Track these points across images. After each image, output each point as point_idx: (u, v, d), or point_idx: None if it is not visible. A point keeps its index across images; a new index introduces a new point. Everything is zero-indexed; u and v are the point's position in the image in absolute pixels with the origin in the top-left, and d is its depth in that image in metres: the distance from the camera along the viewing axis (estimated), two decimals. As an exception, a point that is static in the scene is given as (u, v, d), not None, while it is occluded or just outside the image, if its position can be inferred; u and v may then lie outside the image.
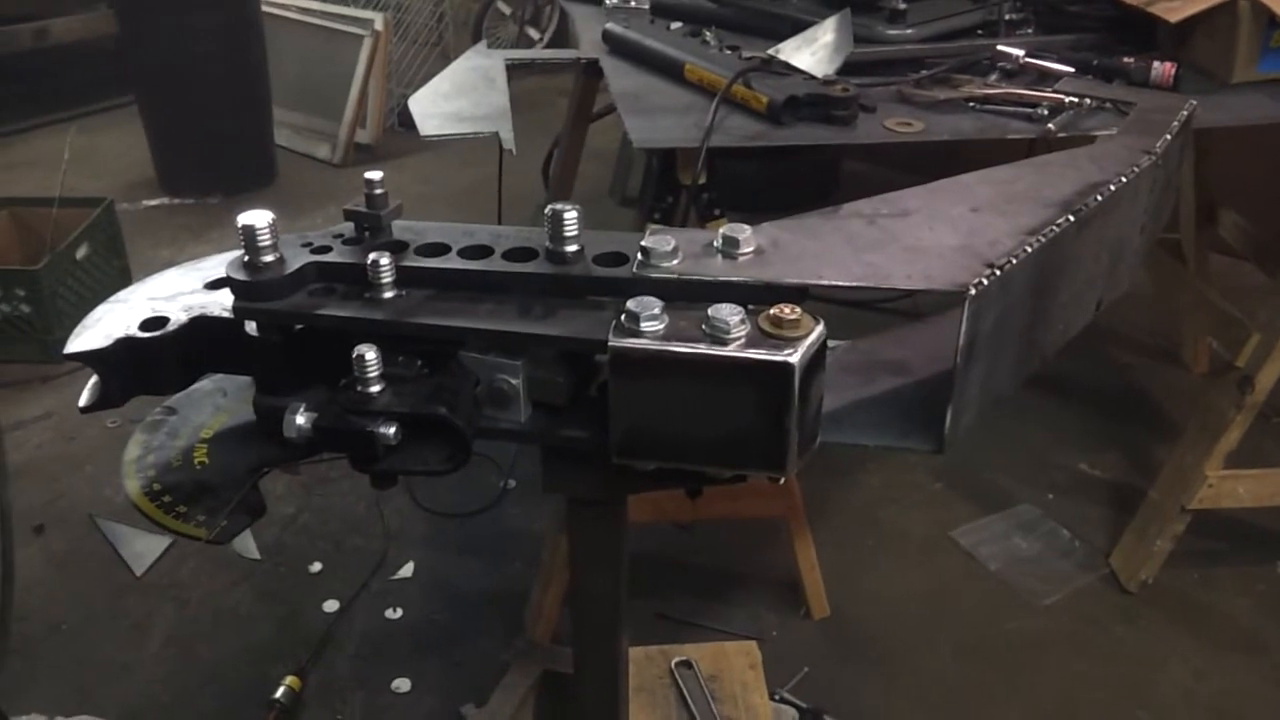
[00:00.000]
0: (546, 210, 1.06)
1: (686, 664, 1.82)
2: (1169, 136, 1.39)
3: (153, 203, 4.83)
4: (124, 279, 3.80)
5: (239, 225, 1.04)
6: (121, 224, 4.01)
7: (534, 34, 6.88)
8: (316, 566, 2.62)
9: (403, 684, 2.28)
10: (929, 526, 2.78)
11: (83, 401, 1.08)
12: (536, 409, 1.07)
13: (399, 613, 2.48)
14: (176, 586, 2.54)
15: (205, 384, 1.23)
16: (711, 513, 2.33)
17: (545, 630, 2.31)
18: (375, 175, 1.10)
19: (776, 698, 2.18)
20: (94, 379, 1.08)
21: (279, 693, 2.20)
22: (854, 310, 2.98)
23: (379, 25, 5.31)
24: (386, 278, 1.04)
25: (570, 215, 1.05)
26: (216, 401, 1.21)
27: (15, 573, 2.52)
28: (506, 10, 6.83)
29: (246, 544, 2.67)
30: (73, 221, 3.71)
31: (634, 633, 2.35)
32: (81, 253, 3.65)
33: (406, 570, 2.61)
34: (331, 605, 2.50)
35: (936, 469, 2.98)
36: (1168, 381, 3.39)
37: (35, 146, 5.34)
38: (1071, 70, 2.02)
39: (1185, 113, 1.49)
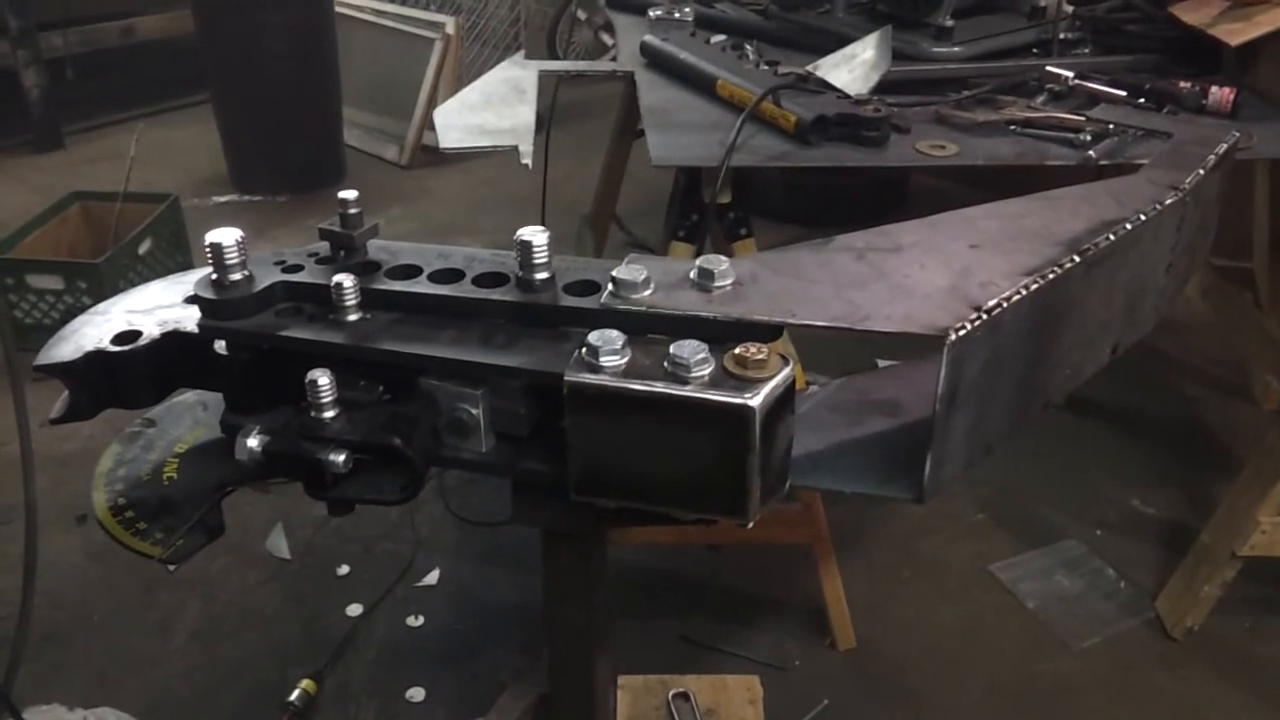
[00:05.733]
0: (515, 236, 1.03)
1: (684, 696, 1.78)
2: (1202, 171, 1.31)
3: (222, 199, 4.92)
4: (186, 274, 3.87)
5: (206, 243, 1.03)
6: (189, 219, 4.10)
7: (608, 40, 6.87)
8: (344, 569, 2.63)
9: (417, 693, 2.28)
10: (968, 559, 2.69)
11: (53, 414, 1.08)
12: (500, 439, 1.05)
13: (420, 620, 2.48)
14: (206, 583, 2.57)
15: (189, 396, 1.23)
16: (733, 537, 2.28)
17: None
18: (350, 195, 1.09)
19: (792, 729, 2.13)
20: (65, 391, 1.09)
21: (294, 696, 2.21)
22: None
23: (450, 29, 5.35)
24: (350, 300, 1.02)
25: (540, 242, 1.02)
26: (196, 415, 1.21)
27: (56, 561, 2.59)
28: (582, 16, 6.83)
29: (278, 543, 2.70)
30: (139, 216, 3.81)
31: (654, 655, 2.33)
32: (144, 247, 3.74)
33: (432, 578, 2.61)
34: (355, 609, 2.50)
35: (981, 499, 2.88)
36: (1235, 417, 3.24)
37: (118, 140, 5.47)
38: (1122, 94, 1.93)
39: (1225, 145, 1.40)
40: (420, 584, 2.60)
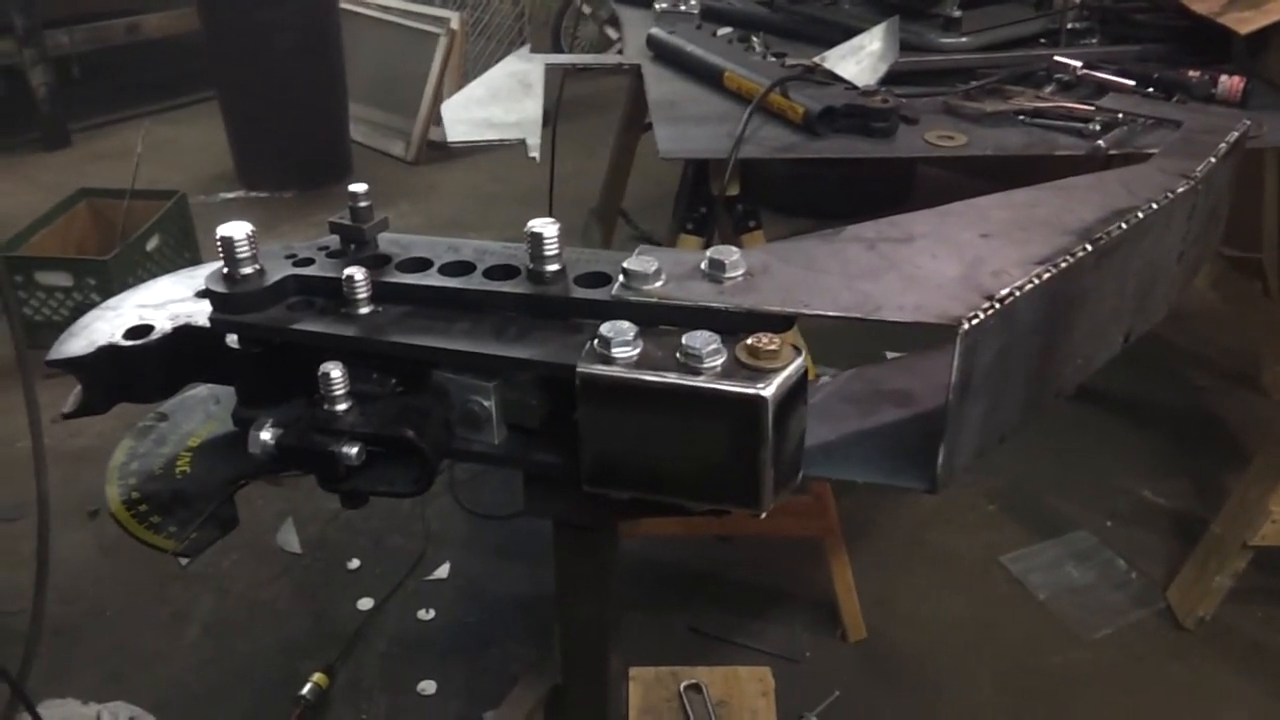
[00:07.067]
0: (526, 228, 1.03)
1: (696, 687, 1.78)
2: (1213, 160, 1.31)
3: (229, 196, 4.93)
4: (194, 270, 3.87)
5: (217, 237, 1.03)
6: (197, 216, 4.11)
7: (613, 34, 6.86)
8: (355, 563, 2.64)
9: (428, 686, 2.28)
10: (978, 550, 2.69)
11: (65, 409, 1.09)
12: (512, 431, 1.05)
13: (431, 614, 2.49)
14: (218, 577, 2.58)
15: (201, 390, 1.24)
16: (742, 529, 2.28)
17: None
18: (360, 188, 1.09)
19: (802, 721, 2.13)
20: (78, 386, 1.09)
21: (306, 689, 2.22)
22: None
23: (454, 24, 5.35)
24: (361, 293, 1.02)
25: (551, 234, 1.02)
26: (208, 409, 1.21)
27: (69, 556, 2.60)
28: (587, 10, 6.82)
29: (289, 538, 2.71)
30: (147, 213, 3.81)
31: (664, 647, 2.33)
32: (152, 244, 3.74)
33: (442, 571, 2.62)
34: (366, 603, 2.51)
35: (991, 490, 2.88)
36: (1245, 407, 3.23)
37: (124, 138, 5.48)
38: (1131, 83, 1.92)
39: (1236, 133, 1.40)
40: (431, 578, 2.60)
